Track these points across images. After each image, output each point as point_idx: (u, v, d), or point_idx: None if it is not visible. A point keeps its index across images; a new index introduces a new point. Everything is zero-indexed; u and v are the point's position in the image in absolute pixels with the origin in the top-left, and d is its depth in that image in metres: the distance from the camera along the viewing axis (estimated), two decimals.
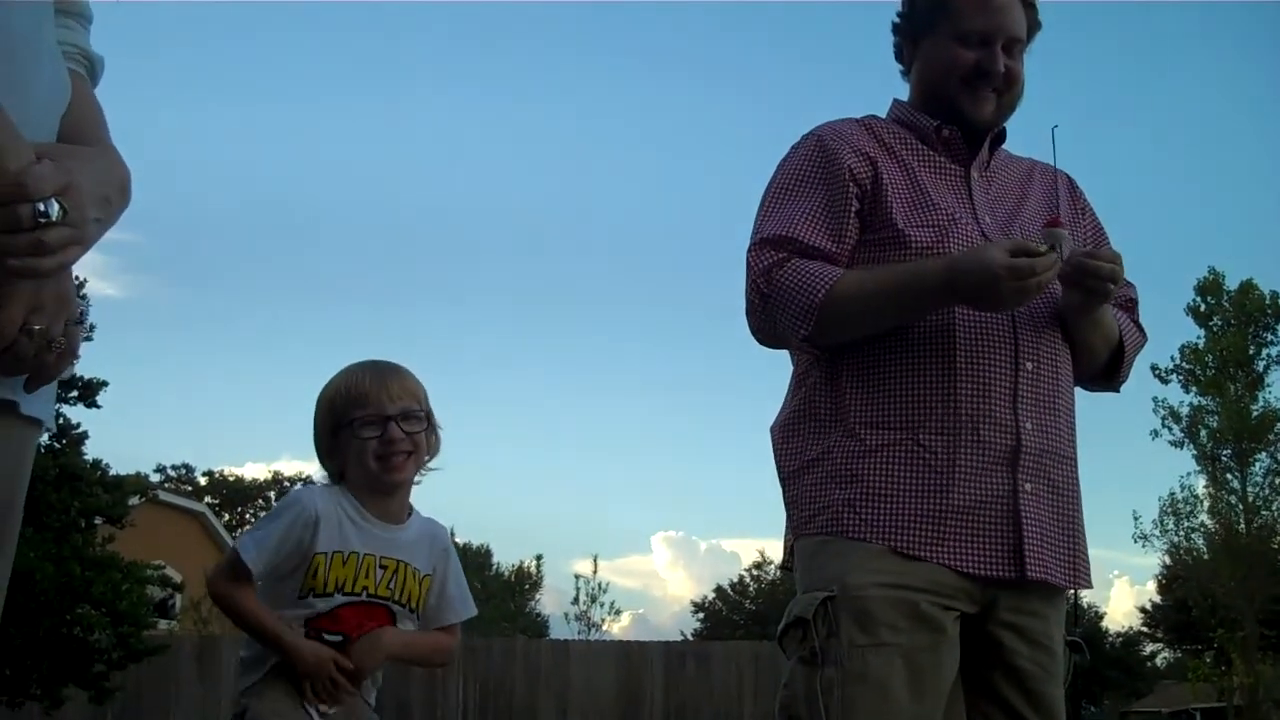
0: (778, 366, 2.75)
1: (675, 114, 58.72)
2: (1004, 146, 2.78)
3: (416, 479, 2.93)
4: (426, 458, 2.91)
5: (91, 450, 11.38)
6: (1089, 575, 2.58)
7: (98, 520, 10.84)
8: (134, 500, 12.91)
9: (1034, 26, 2.70)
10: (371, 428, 2.80)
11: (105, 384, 11.19)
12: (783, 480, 2.63)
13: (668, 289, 61.67)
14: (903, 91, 2.81)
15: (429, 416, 2.90)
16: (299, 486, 3.12)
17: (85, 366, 11.25)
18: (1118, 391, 2.80)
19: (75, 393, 11.04)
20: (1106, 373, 2.74)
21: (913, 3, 2.73)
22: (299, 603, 2.78)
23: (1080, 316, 2.60)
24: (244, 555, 2.74)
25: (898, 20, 2.77)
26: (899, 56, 2.79)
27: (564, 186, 59.17)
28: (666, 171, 59.04)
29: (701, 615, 48.61)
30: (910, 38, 2.74)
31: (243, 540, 2.81)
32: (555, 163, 58.17)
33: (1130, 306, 2.82)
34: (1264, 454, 30.88)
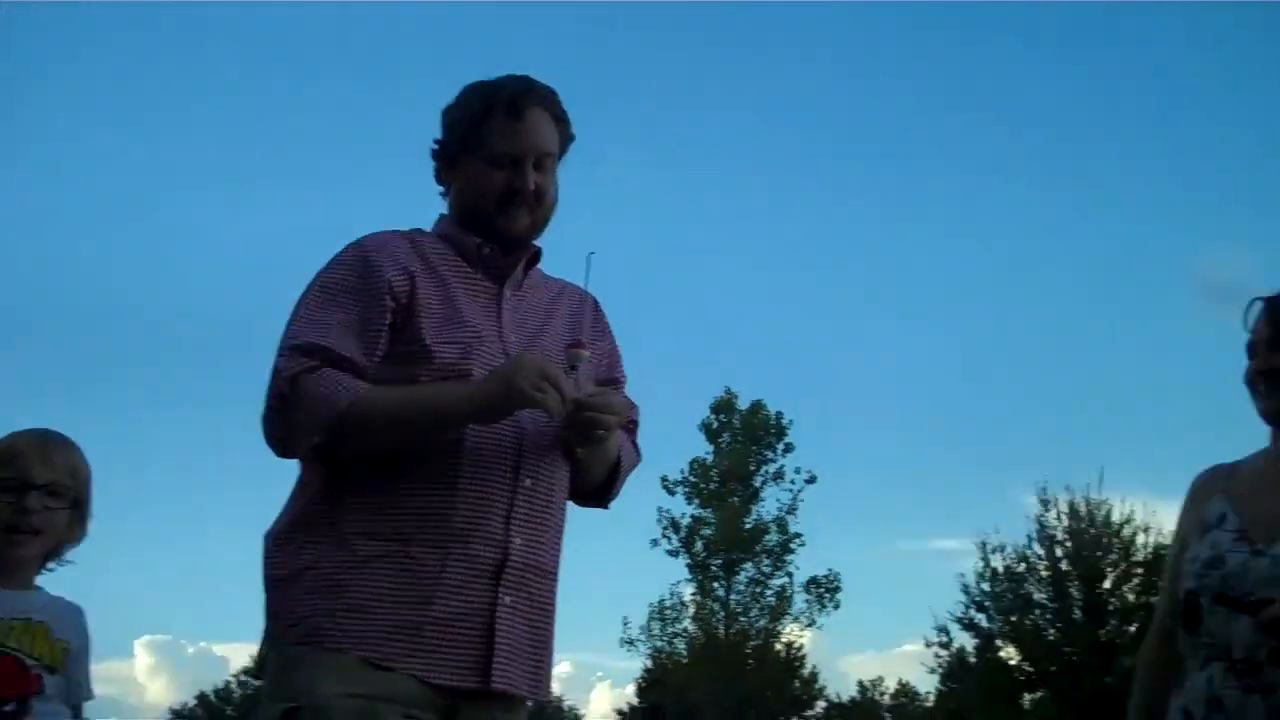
0: (285, 471, 2.69)
1: None
2: (539, 266, 2.87)
3: (49, 565, 2.78)
4: (63, 545, 2.77)
5: None
6: (549, 685, 2.69)
7: None
8: None
9: (566, 139, 2.81)
10: (9, 493, 2.65)
11: None
12: (267, 589, 2.58)
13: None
14: None
15: (79, 502, 2.76)
16: None
17: None
18: (606, 508, 2.91)
19: None
20: (599, 491, 2.85)
21: (450, 128, 2.81)
22: None
23: (577, 448, 2.69)
24: None
25: (436, 146, 2.84)
26: (438, 179, 2.86)
27: None
28: None
29: None
30: (448, 161, 2.82)
31: None
32: None
33: (631, 429, 2.93)
34: (750, 564, 33.05)
